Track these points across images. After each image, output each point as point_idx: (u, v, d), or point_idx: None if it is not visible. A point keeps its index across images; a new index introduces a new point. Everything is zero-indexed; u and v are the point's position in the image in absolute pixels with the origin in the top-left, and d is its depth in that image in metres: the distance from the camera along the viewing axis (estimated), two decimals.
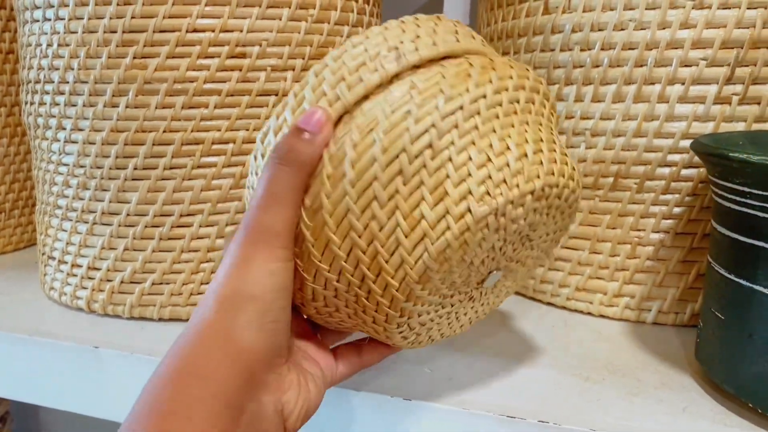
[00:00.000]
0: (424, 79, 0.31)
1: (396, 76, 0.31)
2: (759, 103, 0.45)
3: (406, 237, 0.30)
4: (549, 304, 0.54)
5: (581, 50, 0.48)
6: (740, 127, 0.45)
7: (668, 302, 0.49)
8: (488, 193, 0.30)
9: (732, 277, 0.37)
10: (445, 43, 0.32)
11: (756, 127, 0.45)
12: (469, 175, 0.30)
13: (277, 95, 0.48)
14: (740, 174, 0.35)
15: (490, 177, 0.30)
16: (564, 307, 0.53)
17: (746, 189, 0.35)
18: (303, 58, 0.49)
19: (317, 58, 0.50)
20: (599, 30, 0.47)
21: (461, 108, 0.30)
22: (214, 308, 0.30)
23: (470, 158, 0.30)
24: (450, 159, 0.30)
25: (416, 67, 0.32)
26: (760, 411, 0.36)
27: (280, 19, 0.48)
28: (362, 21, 0.53)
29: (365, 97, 0.31)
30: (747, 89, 0.44)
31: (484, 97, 0.31)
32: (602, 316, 0.51)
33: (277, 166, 0.30)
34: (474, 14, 0.60)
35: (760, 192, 0.34)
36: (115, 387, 0.46)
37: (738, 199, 0.36)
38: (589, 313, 0.52)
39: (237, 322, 0.29)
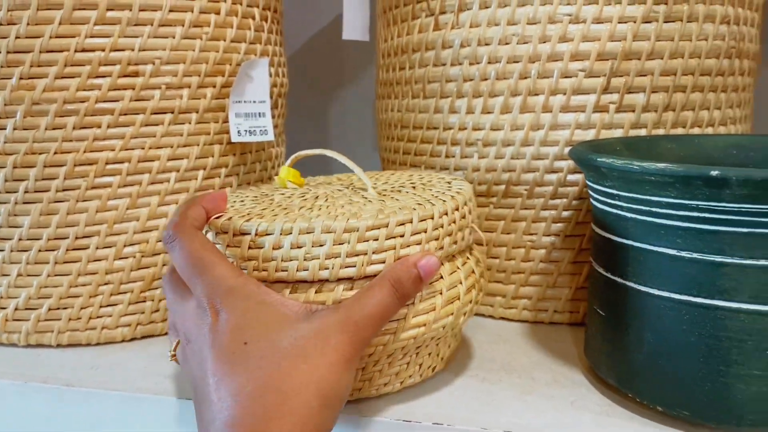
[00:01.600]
0: None
1: None
2: (634, 111, 0.48)
3: None
4: None
5: (470, 64, 0.50)
6: (618, 133, 0.48)
7: (562, 302, 0.51)
8: None
9: (608, 275, 0.39)
10: None
11: (632, 132, 0.48)
12: None
13: (172, 113, 0.48)
14: (608, 177, 0.37)
15: None
16: None
17: (614, 191, 0.37)
18: (199, 75, 0.49)
19: (214, 75, 0.50)
20: (486, 45, 0.49)
21: None
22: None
23: None
24: None
25: None
26: (639, 401, 0.38)
27: (174, 38, 0.48)
28: (260, 38, 0.54)
29: None
30: (622, 98, 0.47)
31: None
32: (503, 318, 0.53)
33: (396, 297, 0.34)
34: (374, 30, 0.61)
35: (626, 194, 0.36)
36: (9, 417, 0.45)
37: (608, 201, 0.38)
38: (491, 316, 0.54)
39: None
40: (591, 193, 0.41)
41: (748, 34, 0.51)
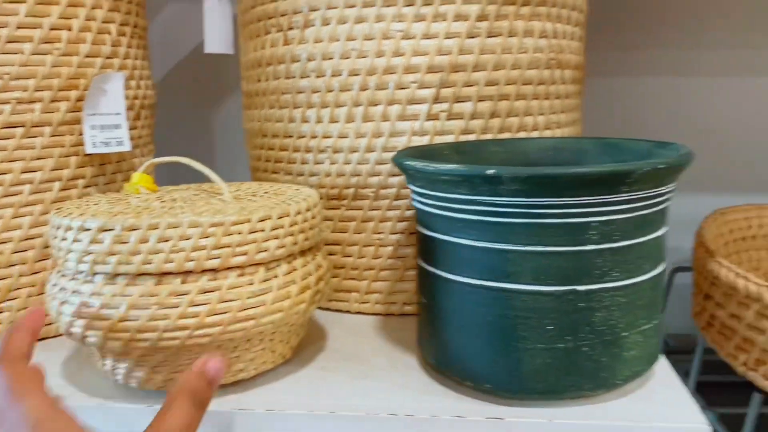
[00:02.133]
0: None
1: None
2: (463, 118, 0.52)
3: None
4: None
5: (316, 77, 0.54)
6: (450, 138, 0.53)
7: (410, 294, 0.55)
8: None
9: (426, 265, 0.43)
10: None
11: (463, 138, 0.53)
12: None
13: (24, 126, 0.50)
14: (416, 179, 0.41)
15: None
16: (327, 308, 0.58)
17: (422, 190, 0.41)
18: (51, 90, 0.51)
19: (67, 89, 0.52)
20: (329, 59, 0.53)
21: None
22: None
23: None
24: None
25: None
26: (453, 378, 0.42)
27: (23, 53, 0.49)
28: (118, 53, 0.56)
29: None
30: (452, 107, 0.52)
31: None
32: (359, 312, 0.57)
33: (197, 407, 0.33)
34: (237, 44, 0.64)
35: (430, 192, 0.41)
36: None
37: (420, 199, 0.42)
38: (348, 311, 0.57)
39: None
40: (411, 193, 0.45)
41: (568, 47, 0.57)
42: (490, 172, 0.36)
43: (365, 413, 0.40)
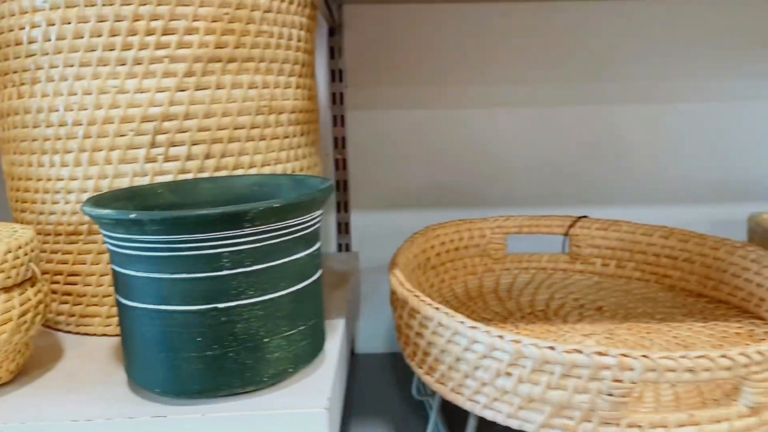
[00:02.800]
0: None
1: None
2: (179, 160, 0.61)
3: None
4: (68, 332, 0.65)
5: (47, 126, 0.60)
6: (169, 178, 0.61)
7: None
8: None
9: (115, 294, 0.51)
10: None
11: (180, 177, 0.61)
12: None
13: None
14: (97, 222, 0.49)
15: None
16: (76, 332, 0.64)
17: (103, 231, 0.49)
18: None
19: None
20: (55, 111, 0.59)
21: None
22: None
23: None
24: None
25: None
26: (139, 386, 0.50)
27: None
28: None
29: None
30: (168, 150, 0.60)
31: None
32: (104, 335, 0.64)
33: None
34: None
35: (107, 232, 0.48)
36: None
37: (104, 238, 0.50)
38: (94, 334, 0.64)
39: None
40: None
41: (282, 94, 0.66)
42: (132, 216, 0.44)
43: (60, 422, 0.47)
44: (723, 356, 0.44)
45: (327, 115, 0.94)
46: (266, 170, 0.66)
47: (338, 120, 0.94)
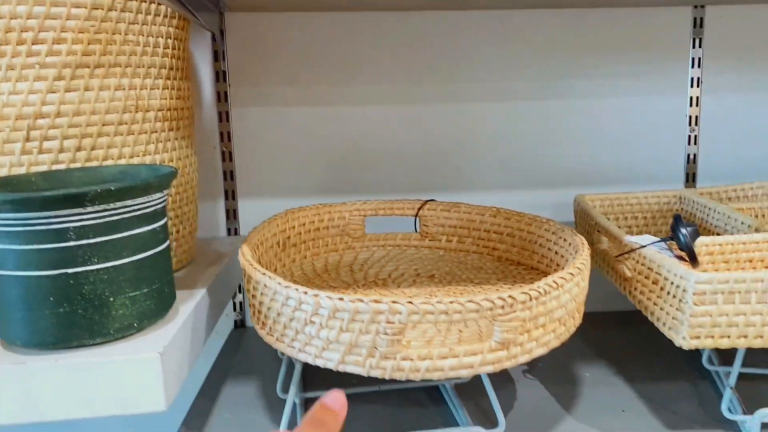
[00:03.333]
0: None
1: None
2: (52, 152, 0.70)
3: None
4: None
5: None
6: (43, 168, 0.70)
7: None
8: None
9: None
10: None
11: (54, 167, 0.70)
12: None
13: None
14: None
15: None
16: None
17: None
18: None
19: None
20: None
21: None
22: None
23: None
24: None
25: None
26: (5, 341, 0.60)
27: None
28: None
29: None
30: (42, 144, 0.70)
31: None
32: None
33: None
34: None
35: None
36: None
37: None
38: None
39: None
40: None
41: (149, 95, 0.76)
42: None
43: None
44: (470, 301, 0.57)
45: (213, 112, 1.04)
46: (135, 161, 0.76)
47: (224, 116, 1.04)
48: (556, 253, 0.80)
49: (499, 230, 0.89)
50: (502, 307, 0.58)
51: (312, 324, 0.60)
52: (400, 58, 1.03)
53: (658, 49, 1.05)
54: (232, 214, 1.07)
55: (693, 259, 0.71)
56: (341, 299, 0.58)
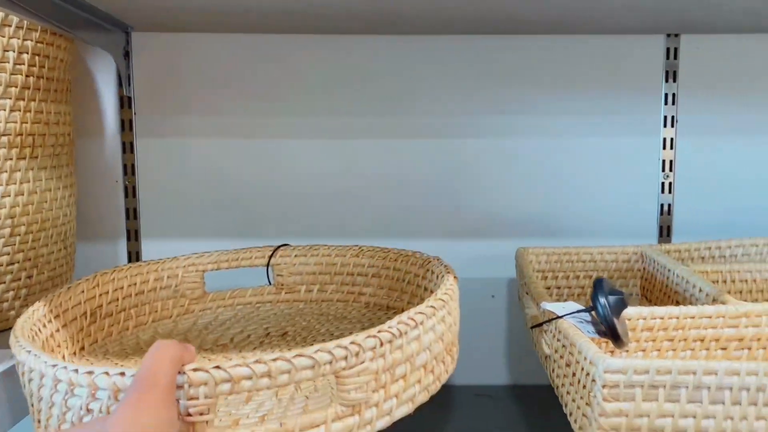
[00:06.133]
0: None
1: None
2: None
3: None
4: None
5: None
6: None
7: None
8: None
9: None
10: None
11: None
12: None
13: None
14: None
15: None
16: None
17: None
18: None
19: None
20: None
21: None
22: None
23: None
24: None
25: None
26: None
27: None
28: None
29: None
30: None
31: None
32: None
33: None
34: None
35: None
36: None
37: None
38: None
39: None
40: None
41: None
42: None
43: None
44: (300, 356, 0.42)
45: (116, 142, 0.90)
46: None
47: (128, 147, 0.91)
48: (425, 289, 0.67)
49: (363, 272, 0.76)
50: (345, 358, 0.44)
51: (89, 414, 0.43)
52: (325, 86, 0.91)
53: (627, 83, 0.91)
54: (134, 257, 0.91)
55: (615, 338, 0.54)
56: (122, 374, 0.42)
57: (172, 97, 0.90)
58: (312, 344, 0.65)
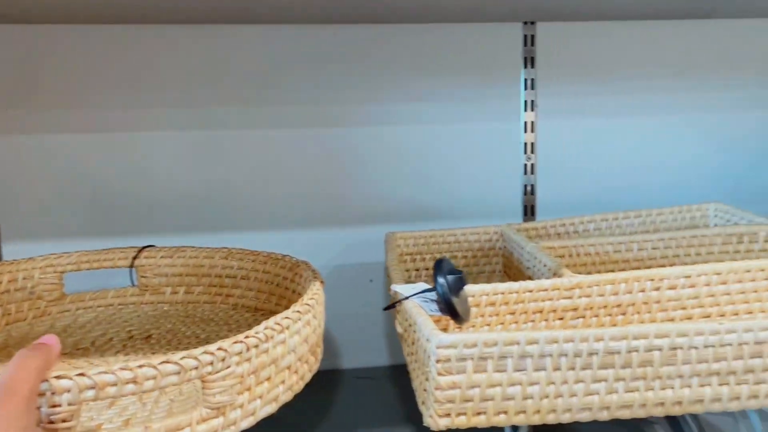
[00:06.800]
0: None
1: None
2: None
3: None
4: None
5: None
6: None
7: None
8: None
9: None
10: None
11: None
12: None
13: None
14: None
15: None
16: None
17: None
18: None
19: None
20: None
21: None
22: None
23: None
24: None
25: None
26: None
27: None
28: None
29: None
30: None
31: None
32: None
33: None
34: None
35: None
36: None
37: None
38: None
39: None
40: None
41: None
42: None
43: None
44: (167, 362, 0.44)
45: None
46: None
47: None
48: (293, 292, 0.70)
49: (232, 273, 0.77)
50: (211, 363, 0.46)
51: None
52: (188, 77, 0.89)
53: (488, 69, 0.95)
54: None
55: (454, 315, 0.57)
56: None
57: (28, 91, 0.86)
58: (177, 347, 0.66)
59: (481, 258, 0.89)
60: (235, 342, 0.47)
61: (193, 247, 0.79)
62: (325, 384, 0.92)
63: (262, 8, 0.79)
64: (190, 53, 0.89)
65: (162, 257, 0.78)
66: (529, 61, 0.97)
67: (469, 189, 0.98)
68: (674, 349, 0.49)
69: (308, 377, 0.56)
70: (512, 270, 0.84)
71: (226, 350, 0.46)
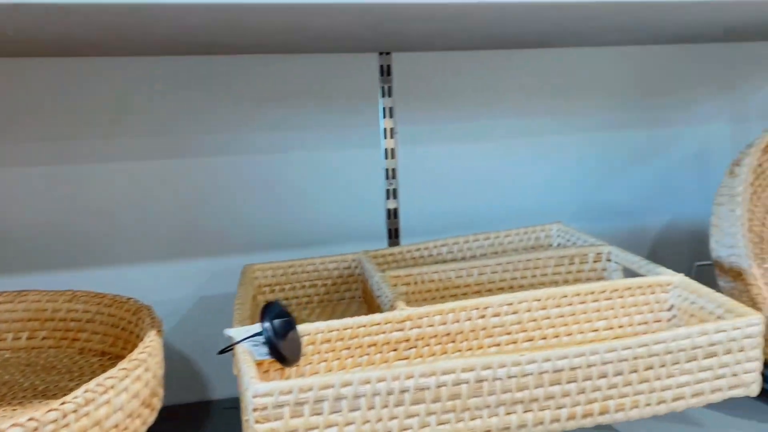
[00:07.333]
0: None
1: None
2: None
3: None
4: None
5: None
6: None
7: None
8: None
9: None
10: None
11: None
12: None
13: None
14: None
15: None
16: None
17: None
18: None
19: None
20: None
21: None
22: None
23: None
24: None
25: None
26: None
27: None
28: None
29: None
30: None
31: None
32: None
33: None
34: None
35: None
36: None
37: None
38: None
39: None
40: None
41: None
42: None
43: None
44: None
45: None
46: None
47: None
48: (137, 336, 0.70)
49: (77, 317, 0.75)
50: (55, 421, 0.45)
51: None
52: (37, 110, 0.85)
53: (348, 99, 0.98)
54: None
55: (281, 359, 0.58)
56: None
57: None
58: (10, 402, 0.64)
59: (341, 285, 0.91)
60: (50, 410, 0.46)
61: (36, 291, 0.77)
62: (195, 416, 0.92)
63: (119, 41, 0.78)
64: (42, 85, 0.87)
65: (2, 302, 0.76)
66: (386, 90, 1.00)
67: (334, 215, 1.00)
68: (480, 381, 0.53)
69: (143, 430, 0.56)
70: (368, 298, 0.87)
71: (38, 420, 0.46)
